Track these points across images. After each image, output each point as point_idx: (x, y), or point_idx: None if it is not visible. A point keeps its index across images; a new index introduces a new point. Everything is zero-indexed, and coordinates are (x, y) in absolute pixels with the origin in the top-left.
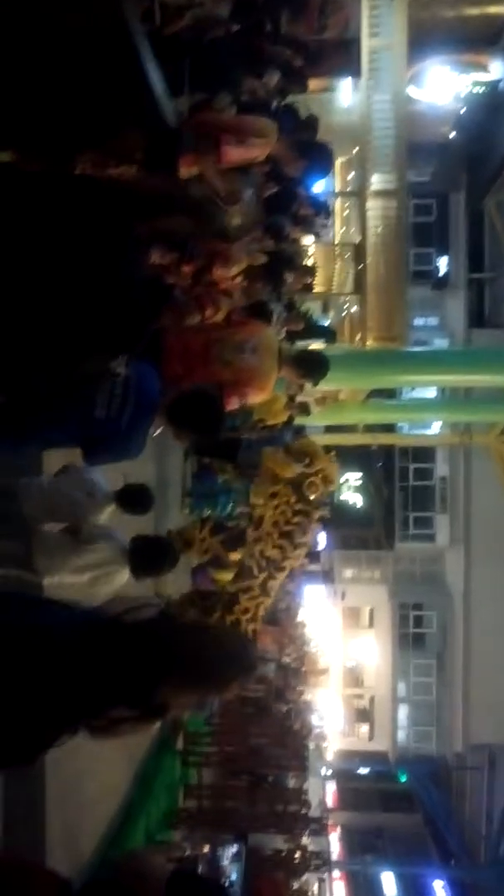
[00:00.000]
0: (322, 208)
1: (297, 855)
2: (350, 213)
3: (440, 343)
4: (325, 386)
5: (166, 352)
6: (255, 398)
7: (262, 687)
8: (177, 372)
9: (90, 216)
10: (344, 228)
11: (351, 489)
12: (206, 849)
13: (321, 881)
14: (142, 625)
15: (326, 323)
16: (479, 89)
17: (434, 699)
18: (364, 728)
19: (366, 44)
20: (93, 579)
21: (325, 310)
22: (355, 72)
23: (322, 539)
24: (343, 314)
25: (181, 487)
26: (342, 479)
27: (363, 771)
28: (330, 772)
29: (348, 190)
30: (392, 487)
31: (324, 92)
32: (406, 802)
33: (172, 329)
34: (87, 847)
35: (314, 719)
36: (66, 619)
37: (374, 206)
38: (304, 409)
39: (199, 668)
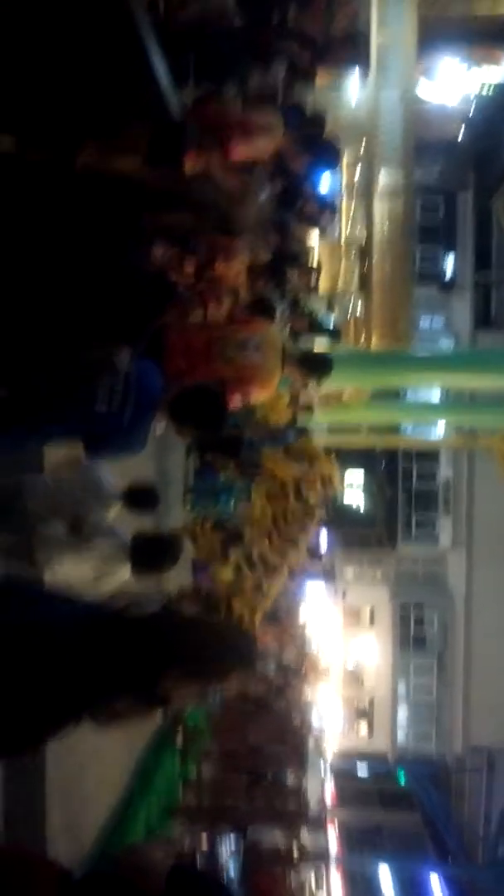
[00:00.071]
0: (328, 205)
1: (296, 850)
2: (356, 211)
3: (445, 344)
4: (328, 385)
5: (168, 348)
6: (259, 396)
7: (262, 685)
8: (179, 369)
9: (94, 210)
10: (350, 226)
11: (354, 489)
12: (205, 843)
13: (319, 876)
14: (143, 619)
15: (331, 322)
16: (489, 88)
17: (434, 700)
18: (364, 727)
19: (374, 38)
20: (94, 575)
21: (330, 308)
22: (363, 66)
23: (324, 539)
24: (348, 313)
25: (183, 484)
26: (345, 480)
27: (362, 770)
28: (329, 770)
29: (355, 188)
30: (395, 488)
31: (330, 87)
32: (405, 802)
33: (175, 325)
34: (88, 840)
35: (314, 718)
36: (68, 613)
37: (380, 204)
38: (308, 409)
39: (199, 661)
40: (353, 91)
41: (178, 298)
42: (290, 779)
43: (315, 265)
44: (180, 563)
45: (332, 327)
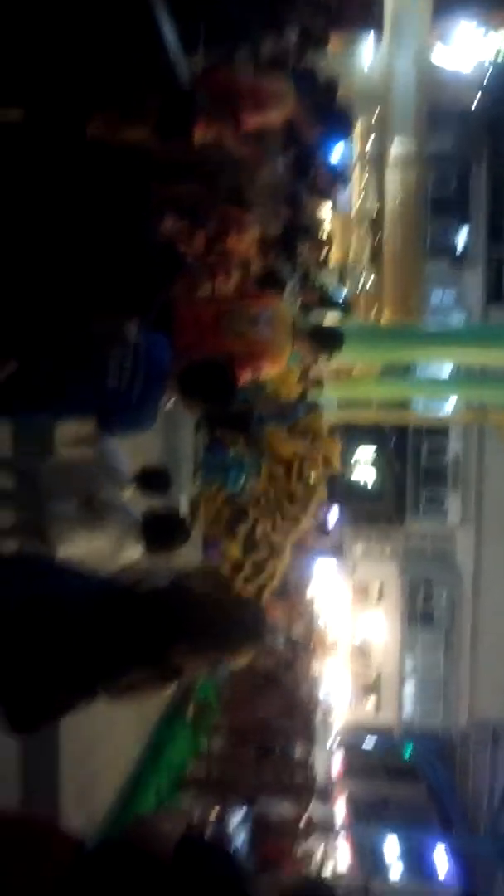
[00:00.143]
0: (340, 176)
1: (303, 821)
2: (368, 182)
3: (457, 319)
4: (339, 360)
5: (178, 322)
6: (269, 371)
7: (271, 659)
8: (188, 342)
9: (103, 181)
10: (362, 197)
11: (363, 465)
12: (214, 814)
13: (326, 846)
14: (153, 594)
15: (342, 296)
16: None
17: (441, 676)
18: (371, 702)
19: (388, 1)
20: (106, 552)
21: (341, 282)
22: (377, 30)
23: (333, 515)
24: (359, 287)
25: (192, 460)
26: (354, 456)
27: (369, 743)
28: (336, 743)
29: (367, 158)
30: (404, 464)
31: (343, 53)
32: (410, 775)
33: (184, 299)
34: (100, 811)
35: (322, 692)
36: (80, 587)
37: (393, 173)
38: (318, 384)
39: (209, 635)
40: (365, 57)
41: (187, 270)
42: (298, 752)
43: (326, 238)
44: (191, 541)
45: (342, 301)
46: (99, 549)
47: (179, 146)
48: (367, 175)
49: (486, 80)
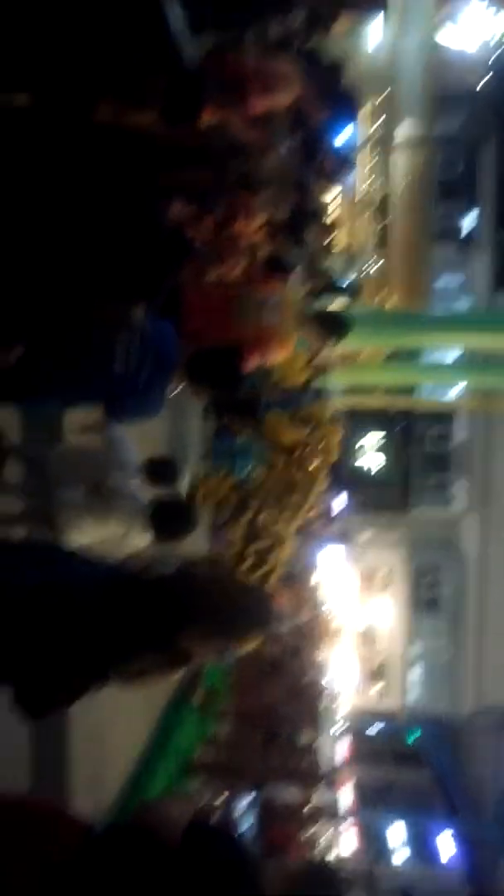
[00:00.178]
0: (346, 159)
1: (309, 807)
2: (375, 165)
3: (464, 304)
4: (345, 345)
5: (185, 308)
6: (276, 357)
7: (277, 646)
8: (196, 329)
9: (110, 166)
10: (369, 181)
11: (369, 452)
12: (222, 799)
13: (332, 831)
14: (161, 581)
15: (348, 281)
16: None
17: (447, 661)
18: (377, 687)
19: None
20: (113, 539)
21: (348, 267)
22: (384, 10)
23: (339, 502)
24: (365, 271)
25: (200, 447)
26: (359, 443)
27: (375, 729)
28: (343, 729)
29: (373, 140)
30: (410, 451)
31: (349, 34)
32: (416, 760)
33: (192, 285)
34: (109, 795)
35: (327, 678)
36: (88, 574)
37: (400, 156)
38: (324, 370)
39: (215, 622)
40: (372, 38)
41: (194, 255)
42: (305, 738)
43: (333, 222)
44: (198, 528)
45: (349, 286)
46: (107, 536)
47: (186, 130)
48: (373, 158)
49: (492, 61)
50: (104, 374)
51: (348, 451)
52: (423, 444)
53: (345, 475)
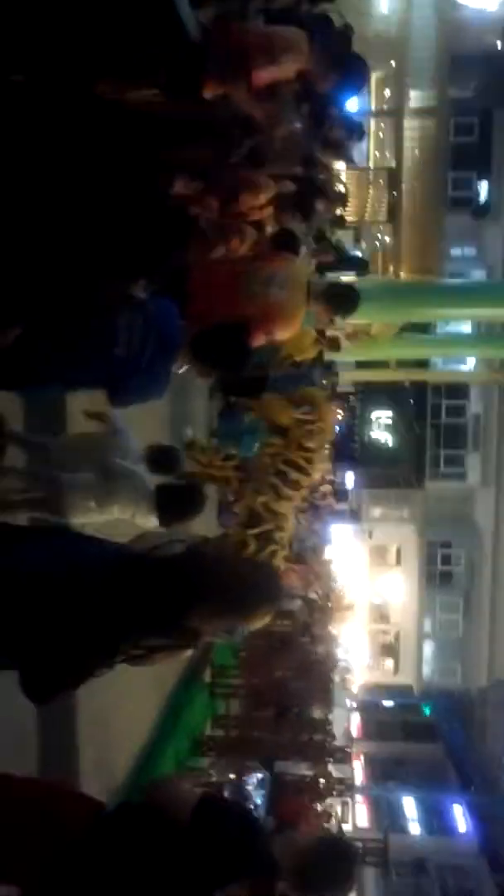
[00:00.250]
0: (355, 130)
1: (321, 781)
2: (385, 134)
3: (477, 275)
4: (356, 320)
5: (191, 287)
6: (283, 334)
7: (288, 622)
8: (201, 310)
9: (112, 142)
10: (379, 152)
11: (381, 427)
12: (233, 775)
13: (345, 805)
14: (169, 560)
15: (358, 253)
16: None
17: (459, 636)
18: (389, 662)
19: None
20: (120, 521)
21: (358, 239)
22: None
23: (350, 479)
24: (376, 244)
25: (207, 427)
26: (372, 417)
27: (387, 703)
28: (355, 704)
29: (384, 108)
30: (423, 425)
31: None
32: (429, 734)
33: (197, 263)
34: (119, 774)
35: (339, 653)
36: (96, 555)
37: (411, 126)
38: (334, 345)
39: (225, 600)
40: (382, 1)
41: (198, 232)
42: (317, 713)
43: (342, 195)
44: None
45: (359, 259)
46: (112, 518)
47: (189, 104)
48: (384, 127)
49: None
50: (106, 355)
51: (361, 425)
52: (436, 418)
53: (357, 451)
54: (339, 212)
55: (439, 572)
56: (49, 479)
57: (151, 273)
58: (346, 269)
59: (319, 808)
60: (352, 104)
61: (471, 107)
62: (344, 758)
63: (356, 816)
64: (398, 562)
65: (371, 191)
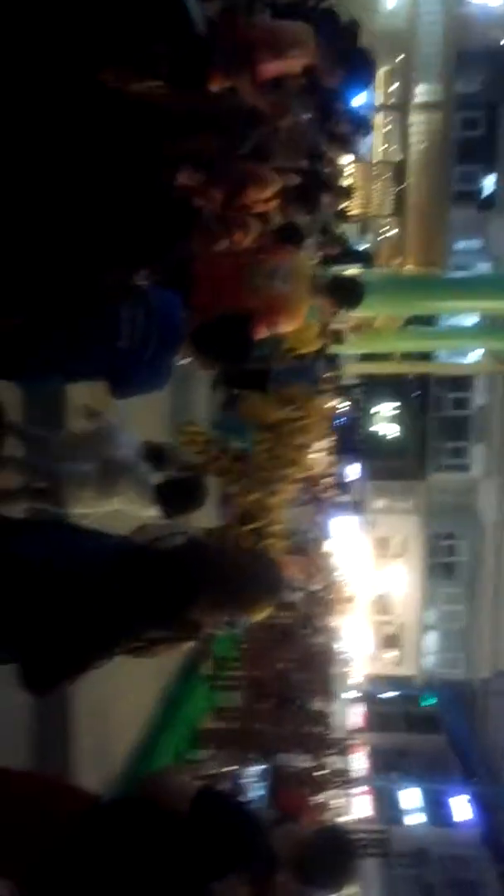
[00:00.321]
0: (361, 124)
1: (322, 773)
2: (391, 128)
3: (483, 267)
4: (360, 312)
5: (194, 280)
6: (286, 327)
7: (289, 614)
8: (204, 302)
9: (117, 131)
10: (385, 145)
11: (385, 419)
12: (233, 768)
13: (346, 797)
14: (170, 552)
15: (364, 246)
16: None
17: (462, 627)
18: (392, 653)
19: None
20: (120, 513)
21: (363, 232)
22: None
23: (353, 470)
24: (381, 237)
25: (208, 419)
26: (376, 409)
27: (390, 694)
28: (357, 695)
29: (390, 103)
30: (427, 417)
31: None
32: (431, 725)
33: (201, 256)
34: (116, 766)
35: (342, 644)
36: (96, 548)
37: (417, 121)
38: (338, 338)
39: (226, 592)
40: None
41: (202, 224)
42: (318, 704)
43: (347, 188)
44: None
45: (364, 252)
46: (112, 510)
47: (194, 96)
48: (390, 121)
49: None
50: (109, 346)
51: (364, 418)
52: (440, 410)
53: (360, 442)
54: (344, 205)
55: (442, 563)
56: (49, 470)
57: (154, 263)
58: (352, 261)
59: (320, 799)
60: (358, 99)
61: (477, 101)
62: (345, 749)
63: (358, 808)
64: (401, 553)
65: (377, 184)
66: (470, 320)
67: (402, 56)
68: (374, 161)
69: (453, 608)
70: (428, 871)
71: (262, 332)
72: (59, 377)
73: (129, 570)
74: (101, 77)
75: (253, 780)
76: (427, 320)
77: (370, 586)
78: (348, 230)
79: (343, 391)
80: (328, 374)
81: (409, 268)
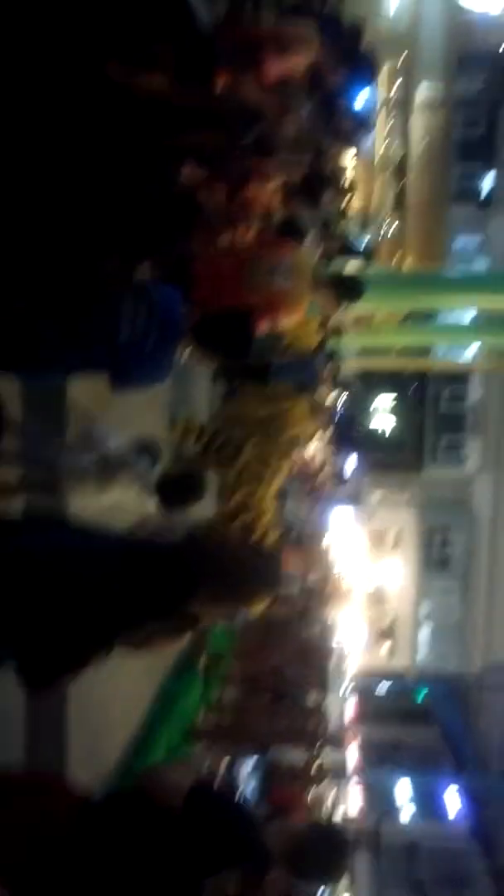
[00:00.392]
0: (363, 121)
1: (315, 768)
2: (393, 126)
3: (482, 264)
4: (360, 308)
5: (195, 274)
6: (287, 322)
7: (285, 608)
8: (205, 296)
9: (121, 125)
10: (386, 143)
11: (382, 413)
12: (225, 764)
13: (338, 791)
14: (170, 547)
15: (364, 243)
16: None
17: (456, 620)
18: (386, 647)
19: None
20: (118, 507)
21: (364, 229)
22: None
23: (351, 463)
24: (382, 234)
25: (208, 412)
26: (374, 403)
27: (383, 688)
28: (351, 688)
29: (392, 102)
30: (424, 411)
31: None
32: (424, 718)
33: (202, 252)
34: (109, 764)
35: (336, 639)
36: (96, 544)
37: (418, 119)
38: (338, 332)
39: (226, 585)
40: (392, 0)
41: (204, 219)
42: (312, 698)
43: (349, 185)
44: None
45: (365, 248)
46: (111, 503)
47: (199, 93)
48: (391, 120)
49: None
50: (110, 340)
51: (362, 411)
52: (437, 405)
53: (358, 436)
54: (346, 201)
55: (437, 557)
56: (48, 463)
57: (155, 255)
58: (352, 257)
59: (312, 794)
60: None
61: (477, 102)
62: (338, 743)
63: (349, 802)
64: (397, 546)
65: (378, 181)
66: (466, 317)
67: (405, 56)
68: (376, 158)
69: (447, 601)
70: (418, 866)
71: (262, 327)
72: (60, 370)
73: (129, 567)
74: (107, 72)
75: (246, 776)
76: (425, 316)
77: (365, 579)
78: (349, 226)
79: (342, 385)
80: (328, 368)
81: (409, 264)
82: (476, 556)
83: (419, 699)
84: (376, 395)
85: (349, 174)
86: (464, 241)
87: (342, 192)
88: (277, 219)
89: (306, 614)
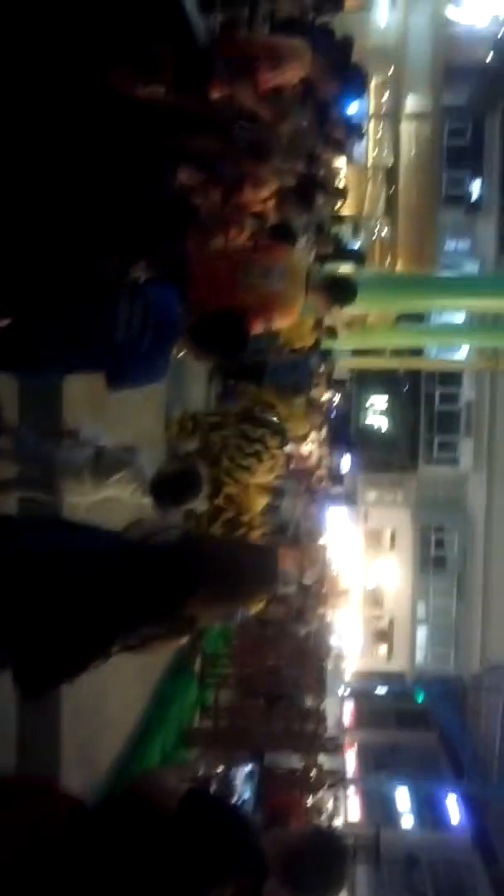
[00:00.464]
0: (355, 130)
1: (313, 773)
2: (383, 135)
3: (470, 267)
4: (353, 309)
5: (190, 276)
6: (281, 323)
7: (281, 608)
8: (201, 297)
9: (119, 130)
10: (377, 151)
11: (377, 413)
12: (221, 768)
13: (336, 798)
14: (167, 547)
15: (356, 246)
16: None
17: (453, 621)
18: (383, 648)
19: None
20: (114, 505)
21: (356, 233)
22: None
23: (346, 462)
24: (373, 237)
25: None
26: (367, 403)
27: (380, 690)
28: (348, 691)
29: (382, 111)
30: (417, 411)
31: (359, 10)
32: (422, 721)
33: (197, 254)
34: (103, 767)
35: (333, 640)
36: (92, 544)
37: (407, 128)
38: (332, 333)
39: (223, 585)
40: (382, 14)
41: (200, 223)
42: (309, 701)
43: (341, 190)
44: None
45: (357, 251)
46: (107, 501)
47: (195, 100)
48: (382, 128)
49: (501, 34)
50: (106, 340)
51: (357, 411)
52: (430, 405)
53: (353, 435)
54: (338, 205)
55: (433, 557)
56: (44, 461)
57: (150, 255)
58: (345, 260)
59: (310, 801)
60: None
61: (464, 112)
62: (336, 748)
63: (348, 809)
64: (392, 546)
65: (369, 187)
66: (458, 318)
67: (393, 68)
68: (367, 165)
69: (443, 602)
70: (418, 876)
71: (257, 328)
72: (56, 370)
73: (125, 568)
74: (108, 79)
75: (243, 781)
76: (417, 317)
77: (362, 579)
78: (342, 230)
79: (336, 384)
80: (322, 368)
81: (400, 267)
82: (471, 556)
83: (417, 702)
84: (371, 395)
85: (341, 179)
86: (453, 245)
87: (335, 196)
88: (271, 222)
89: (303, 613)
